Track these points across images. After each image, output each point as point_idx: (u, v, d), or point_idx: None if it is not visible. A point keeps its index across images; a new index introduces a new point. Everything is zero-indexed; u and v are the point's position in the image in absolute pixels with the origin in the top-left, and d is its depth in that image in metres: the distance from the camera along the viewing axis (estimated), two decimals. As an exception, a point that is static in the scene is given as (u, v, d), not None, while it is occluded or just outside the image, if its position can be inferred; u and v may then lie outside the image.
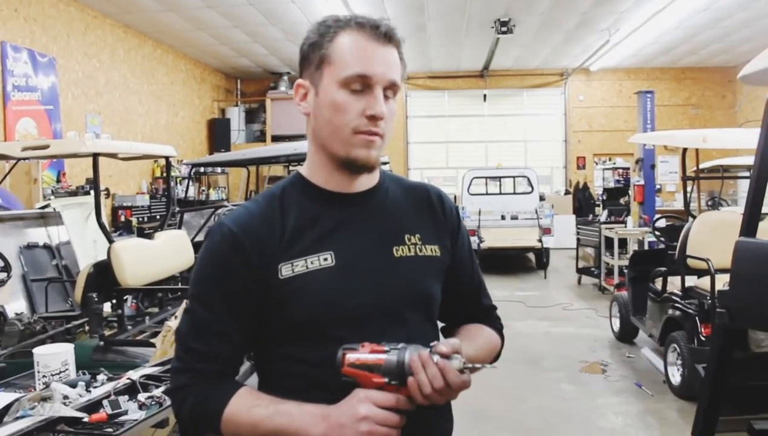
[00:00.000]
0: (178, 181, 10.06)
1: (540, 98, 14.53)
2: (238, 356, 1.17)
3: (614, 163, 10.10)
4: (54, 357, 2.53)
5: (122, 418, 2.19)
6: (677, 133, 6.78)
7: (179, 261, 4.41)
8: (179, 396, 1.12)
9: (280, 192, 1.19)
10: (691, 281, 4.65)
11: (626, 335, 5.90)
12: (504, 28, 9.64)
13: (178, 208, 7.31)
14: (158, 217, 8.69)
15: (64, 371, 2.53)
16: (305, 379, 1.11)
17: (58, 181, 7.35)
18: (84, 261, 4.67)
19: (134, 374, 2.54)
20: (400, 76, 1.14)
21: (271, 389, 1.11)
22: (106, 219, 6.23)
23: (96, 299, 3.72)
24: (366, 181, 1.20)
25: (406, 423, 1.01)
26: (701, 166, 6.37)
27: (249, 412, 1.06)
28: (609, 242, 8.08)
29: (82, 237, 5.89)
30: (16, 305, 4.09)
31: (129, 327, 4.00)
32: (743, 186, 9.65)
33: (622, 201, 9.58)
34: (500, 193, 11.30)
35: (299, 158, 6.39)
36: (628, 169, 9.72)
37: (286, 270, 1.10)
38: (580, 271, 9.16)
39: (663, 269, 5.14)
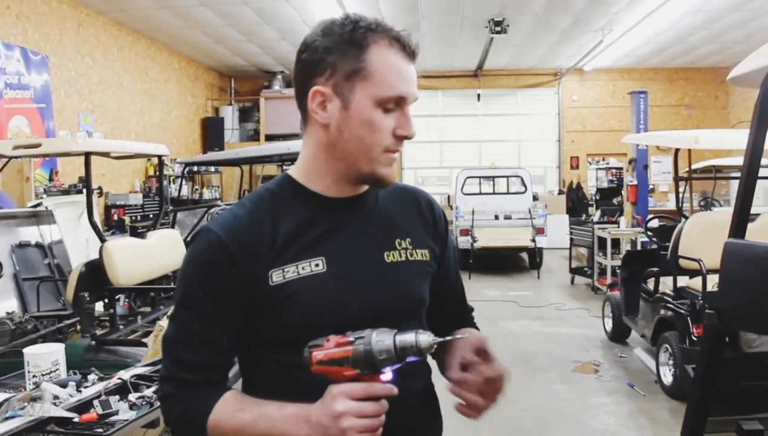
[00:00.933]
0: (171, 180, 10.02)
1: (534, 98, 14.57)
2: (227, 363, 1.15)
3: (607, 164, 10.13)
4: (44, 357, 2.52)
5: (113, 418, 2.18)
6: (670, 133, 6.79)
7: (172, 260, 4.39)
8: (167, 404, 1.12)
9: (268, 195, 1.16)
10: (683, 281, 4.67)
11: (619, 335, 5.92)
12: (498, 28, 9.66)
13: (171, 208, 7.30)
14: (151, 216, 8.65)
15: (54, 371, 2.52)
16: (296, 383, 1.09)
17: (51, 179, 7.30)
18: (76, 260, 4.65)
19: (125, 374, 2.53)
20: None
21: (258, 393, 1.10)
22: (98, 218, 6.21)
23: (88, 299, 3.70)
24: (358, 186, 1.19)
25: (396, 425, 1.00)
26: (694, 166, 6.37)
27: (233, 417, 1.05)
28: (602, 242, 8.12)
29: (74, 236, 5.86)
30: (8, 304, 4.07)
31: (121, 327, 4.00)
32: (735, 186, 9.66)
33: (615, 201, 9.59)
34: (494, 193, 11.33)
35: (292, 157, 6.36)
36: (621, 169, 9.75)
37: (276, 276, 1.08)
38: (573, 271, 9.18)
39: (655, 269, 5.16)
